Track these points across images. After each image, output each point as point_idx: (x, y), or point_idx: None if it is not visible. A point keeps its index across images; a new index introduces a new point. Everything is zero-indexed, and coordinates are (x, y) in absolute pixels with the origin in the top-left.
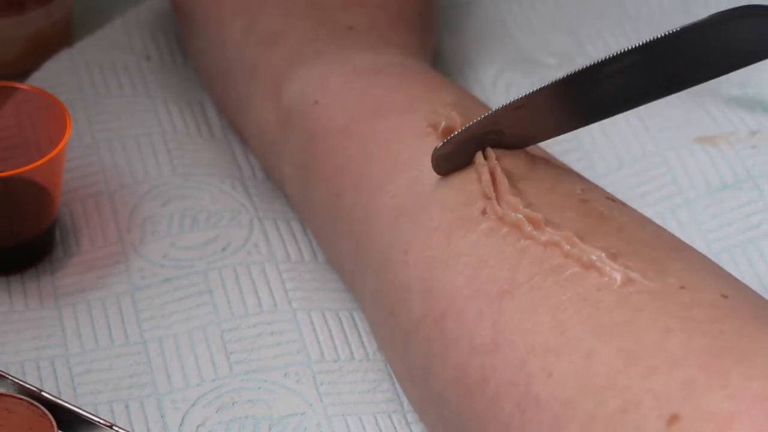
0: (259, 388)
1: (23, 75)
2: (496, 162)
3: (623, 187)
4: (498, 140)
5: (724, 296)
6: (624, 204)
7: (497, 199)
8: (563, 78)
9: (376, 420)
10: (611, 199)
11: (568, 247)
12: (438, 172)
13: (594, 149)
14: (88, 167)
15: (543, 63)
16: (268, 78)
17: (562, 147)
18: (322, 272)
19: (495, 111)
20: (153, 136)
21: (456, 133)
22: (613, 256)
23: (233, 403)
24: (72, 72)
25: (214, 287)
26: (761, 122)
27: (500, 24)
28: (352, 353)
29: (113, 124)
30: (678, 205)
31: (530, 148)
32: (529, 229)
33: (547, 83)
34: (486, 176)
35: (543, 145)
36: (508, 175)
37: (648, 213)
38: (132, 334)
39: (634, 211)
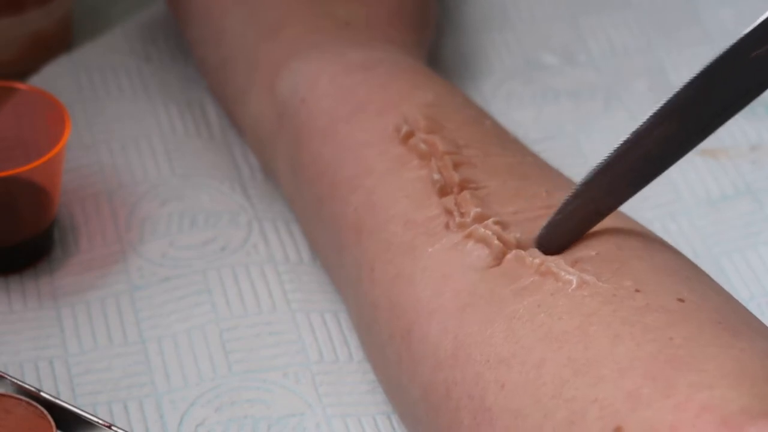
0: (258, 388)
1: (23, 75)
2: (454, 172)
3: None
4: (598, 208)
5: (680, 300)
6: None
7: (460, 211)
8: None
9: (375, 421)
10: None
11: (530, 258)
12: (548, 254)
13: (595, 157)
14: (87, 168)
15: (543, 64)
16: (265, 71)
17: (562, 152)
18: (321, 274)
19: (584, 182)
20: (152, 137)
21: (550, 216)
22: (573, 261)
23: (232, 403)
24: (71, 74)
25: (212, 287)
26: (762, 134)
27: (502, 14)
28: (351, 354)
29: (112, 125)
30: (678, 211)
31: (487, 145)
32: (497, 247)
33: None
34: (446, 191)
35: (539, 147)
36: (468, 182)
37: (647, 216)
38: (131, 334)
39: None
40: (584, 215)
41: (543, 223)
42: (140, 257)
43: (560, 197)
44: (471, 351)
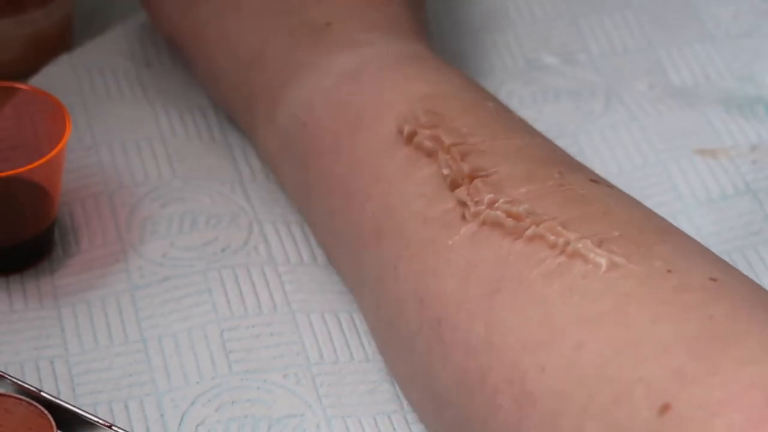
0: (259, 387)
1: (23, 75)
2: (463, 163)
3: (623, 190)
4: None
5: (713, 279)
6: (610, 186)
7: (473, 200)
8: None
9: (376, 421)
10: (595, 180)
11: (553, 237)
12: None
13: (595, 155)
14: (88, 168)
15: (543, 64)
16: (262, 104)
17: None
18: (321, 274)
19: None
20: (153, 140)
21: None
22: (598, 242)
23: (232, 403)
24: (72, 76)
25: (213, 287)
26: (762, 134)
27: (502, 14)
28: (351, 355)
29: (113, 127)
30: (678, 210)
31: (492, 129)
32: (511, 224)
33: None
34: (457, 183)
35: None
36: (479, 170)
37: None
38: (131, 333)
39: (621, 192)
40: None
41: (557, 198)
42: (141, 257)
43: (573, 179)
44: (505, 337)
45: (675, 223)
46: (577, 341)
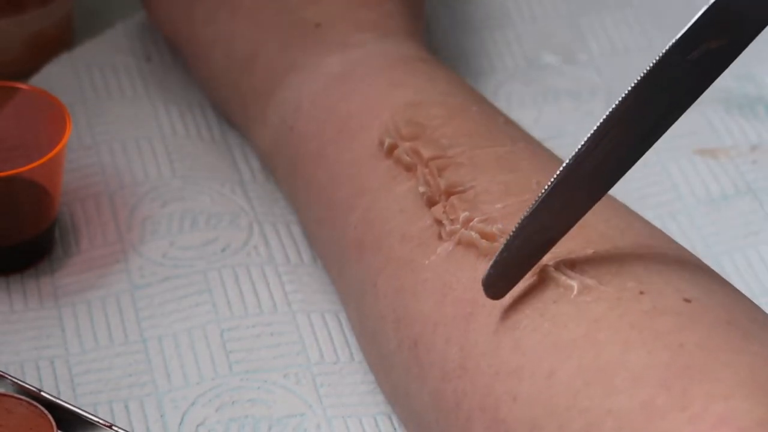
0: (259, 387)
1: (23, 75)
2: (440, 180)
3: (623, 190)
4: (550, 236)
5: (687, 300)
6: None
7: (449, 218)
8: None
9: (376, 421)
10: None
11: None
12: (494, 299)
13: None
14: (88, 168)
15: (544, 64)
16: (257, 104)
17: (562, 152)
18: (321, 275)
19: (530, 211)
20: (153, 139)
21: (496, 254)
22: (571, 263)
23: (233, 403)
24: (72, 74)
25: (213, 286)
26: (762, 134)
27: (503, 13)
28: (351, 354)
29: (113, 126)
30: (678, 210)
31: (473, 138)
32: (485, 245)
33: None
34: (434, 201)
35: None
36: (455, 185)
37: (647, 216)
38: (131, 333)
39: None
40: (535, 246)
41: None
42: (141, 257)
43: None
44: (478, 362)
45: (675, 224)
46: (548, 370)
